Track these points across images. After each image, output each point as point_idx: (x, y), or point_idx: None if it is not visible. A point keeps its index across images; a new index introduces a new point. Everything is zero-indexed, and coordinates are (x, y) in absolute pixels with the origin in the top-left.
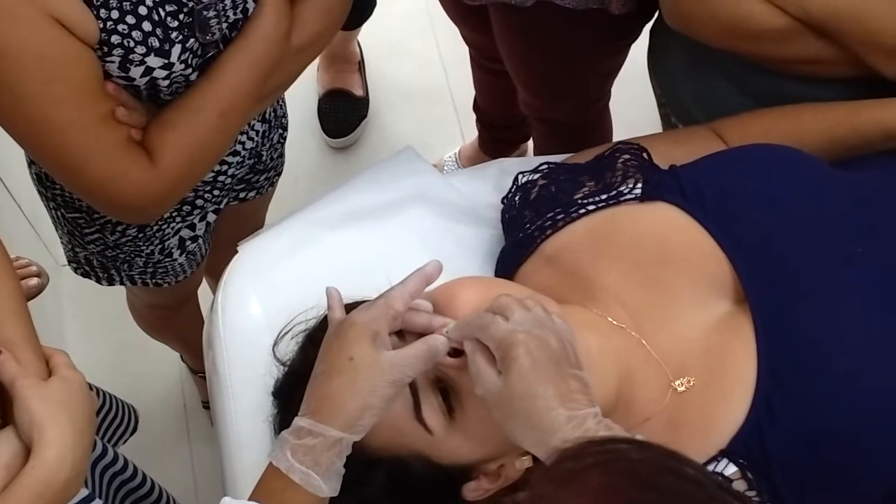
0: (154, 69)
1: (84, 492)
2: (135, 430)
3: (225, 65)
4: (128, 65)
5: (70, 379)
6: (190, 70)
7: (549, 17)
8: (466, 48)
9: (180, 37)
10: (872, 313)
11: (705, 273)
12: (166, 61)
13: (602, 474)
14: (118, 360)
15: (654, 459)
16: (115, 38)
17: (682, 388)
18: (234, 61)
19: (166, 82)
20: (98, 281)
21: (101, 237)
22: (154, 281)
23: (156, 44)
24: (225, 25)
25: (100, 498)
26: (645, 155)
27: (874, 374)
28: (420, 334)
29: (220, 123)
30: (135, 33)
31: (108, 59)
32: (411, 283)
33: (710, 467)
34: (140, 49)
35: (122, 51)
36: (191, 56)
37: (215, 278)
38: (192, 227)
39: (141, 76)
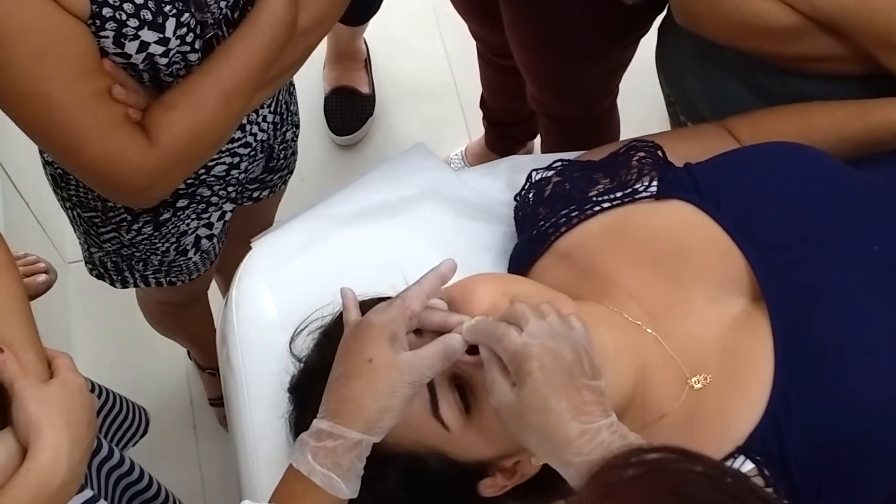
0: (150, 44)
1: (88, 493)
2: (145, 432)
3: (228, 47)
4: (122, 39)
5: (70, 382)
6: (188, 48)
7: (561, 10)
8: (472, 45)
9: (174, 10)
10: (888, 311)
11: (721, 271)
12: (161, 36)
13: (642, 488)
14: (125, 357)
15: (697, 472)
16: (106, 11)
17: (699, 386)
18: (238, 44)
19: (165, 60)
20: (112, 284)
21: (116, 236)
22: (168, 279)
23: (148, 17)
24: (224, 4)
25: (105, 499)
26: (660, 153)
27: (891, 373)
28: (436, 332)
29: (221, 105)
30: (126, 5)
31: (103, 33)
32: (427, 282)
33: (727, 464)
34: (133, 22)
35: (115, 24)
36: (188, 33)
37: (224, 275)
38: (209, 225)
39: (137, 52)
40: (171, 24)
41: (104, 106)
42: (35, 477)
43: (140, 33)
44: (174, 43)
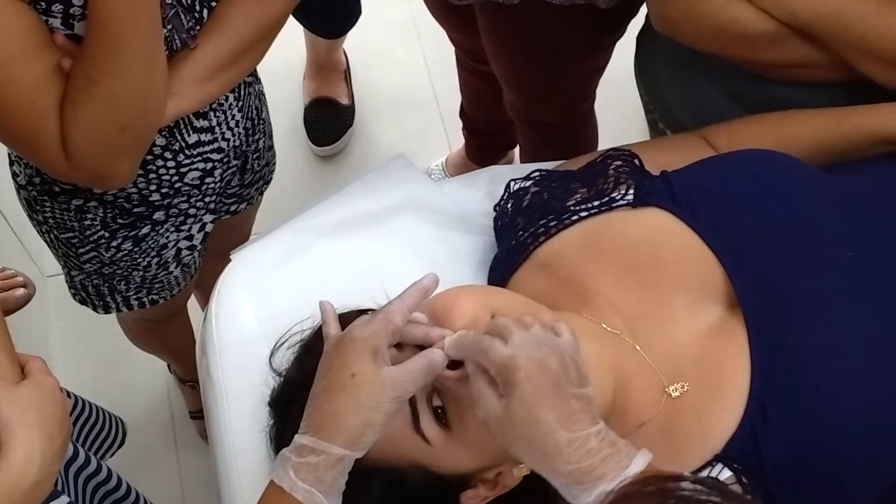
0: None
1: (65, 499)
2: (122, 443)
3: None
4: (71, 20)
5: (42, 383)
6: None
7: (536, 14)
8: (452, 56)
9: None
10: (864, 316)
11: (698, 278)
12: None
13: None
14: (104, 371)
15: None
16: None
17: (677, 394)
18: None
19: None
20: (94, 309)
21: (96, 255)
22: (150, 298)
23: None
24: None
25: None
26: (636, 161)
27: (866, 379)
28: (417, 346)
29: (103, 100)
30: None
31: (51, 14)
32: (409, 296)
33: (706, 472)
34: (78, 0)
35: (62, 6)
36: None
37: (202, 290)
38: (189, 237)
39: None
40: None
41: (46, 90)
42: (8, 476)
43: (87, 12)
44: None
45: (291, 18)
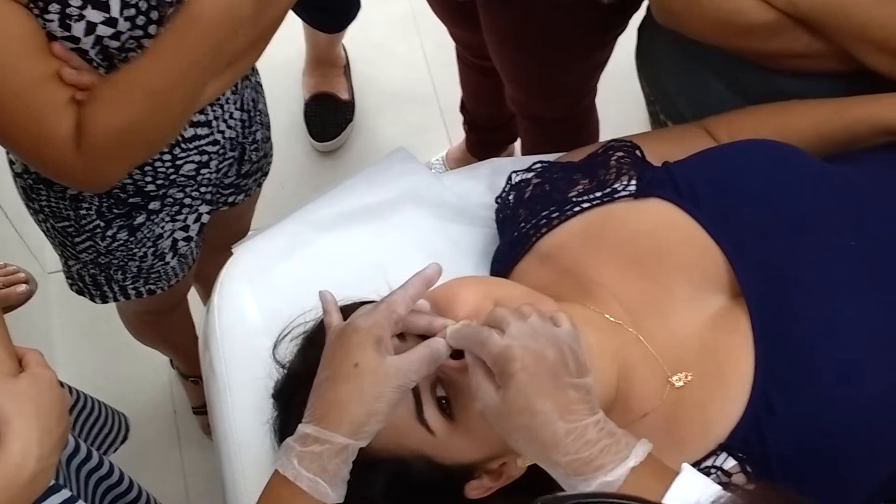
0: (97, 25)
1: (66, 493)
2: (125, 438)
3: (157, 43)
4: (68, 21)
5: (40, 375)
6: (141, 33)
7: (539, 10)
8: (452, 51)
9: None
10: (866, 306)
11: (701, 268)
12: (107, 16)
13: None
14: (107, 366)
15: None
16: None
17: (680, 384)
18: (167, 40)
19: (116, 44)
20: (91, 298)
21: (92, 244)
22: (147, 288)
23: None
24: None
25: (84, 501)
26: (638, 152)
27: (867, 371)
28: (420, 336)
29: (149, 106)
30: None
31: (48, 16)
32: (412, 286)
33: (710, 461)
34: (76, 2)
35: (59, 6)
36: (137, 15)
37: (203, 283)
38: (185, 228)
39: (85, 34)
40: (116, 3)
41: (41, 92)
42: (5, 468)
43: (84, 13)
44: (123, 25)
45: (291, 13)
